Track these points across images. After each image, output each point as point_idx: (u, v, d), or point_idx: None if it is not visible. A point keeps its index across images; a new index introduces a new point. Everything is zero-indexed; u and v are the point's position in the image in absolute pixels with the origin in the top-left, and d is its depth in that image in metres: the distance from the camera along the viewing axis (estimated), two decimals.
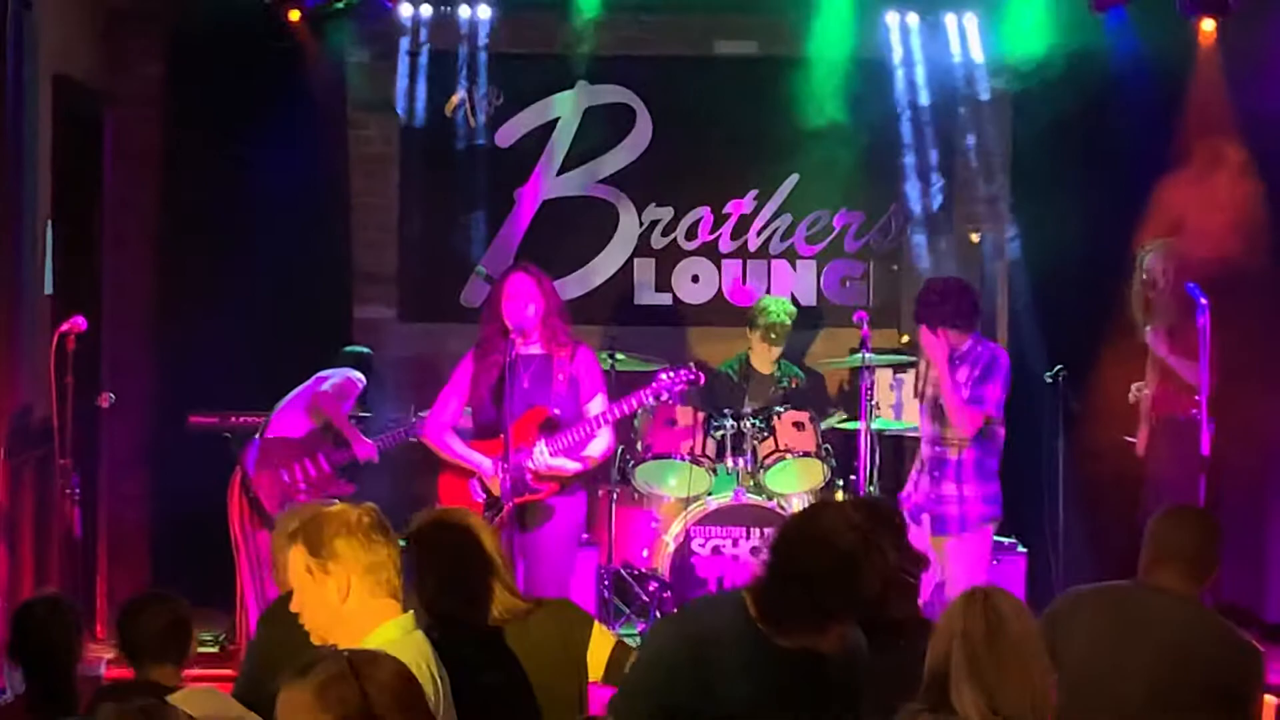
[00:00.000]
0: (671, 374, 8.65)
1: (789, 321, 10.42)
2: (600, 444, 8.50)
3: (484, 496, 8.50)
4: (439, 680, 4.68)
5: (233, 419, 9.54)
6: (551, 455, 8.39)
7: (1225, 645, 5.50)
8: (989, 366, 8.47)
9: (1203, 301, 8.42)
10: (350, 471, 9.56)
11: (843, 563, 4.40)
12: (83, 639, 5.99)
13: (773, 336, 10.40)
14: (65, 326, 8.71)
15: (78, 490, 8.78)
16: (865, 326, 9.50)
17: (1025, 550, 9.84)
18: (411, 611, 4.79)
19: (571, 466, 8.45)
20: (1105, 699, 5.39)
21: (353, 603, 4.65)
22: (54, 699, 5.43)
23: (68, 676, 5.62)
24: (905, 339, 10.45)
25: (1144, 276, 9.22)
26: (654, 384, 8.63)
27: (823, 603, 4.43)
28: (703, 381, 8.82)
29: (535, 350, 8.49)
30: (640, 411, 9.77)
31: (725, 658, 4.45)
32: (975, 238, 11.19)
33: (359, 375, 9.64)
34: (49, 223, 9.74)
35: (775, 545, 4.56)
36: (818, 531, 4.50)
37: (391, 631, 4.68)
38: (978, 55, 11.11)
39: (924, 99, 11.23)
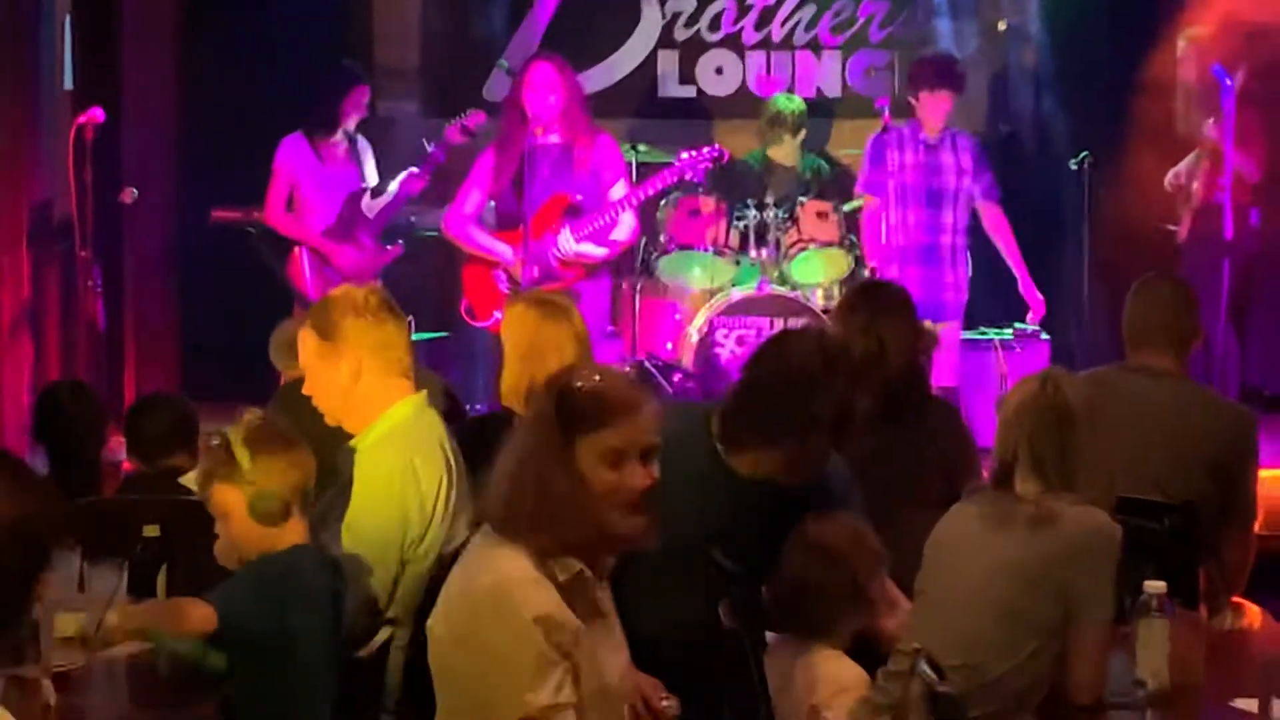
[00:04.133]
0: (693, 152, 8.64)
1: (791, 114, 10.23)
2: (625, 229, 8.54)
3: (510, 287, 8.54)
4: (452, 460, 4.72)
5: (255, 214, 9.50)
6: (577, 241, 8.41)
7: (1215, 415, 5.50)
8: (979, 154, 8.79)
9: (1228, 83, 8.36)
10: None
11: (798, 379, 4.34)
12: (106, 424, 6.05)
13: (779, 135, 10.25)
14: (83, 118, 8.67)
15: (99, 283, 8.80)
16: (887, 114, 9.44)
17: (1049, 337, 9.83)
18: (424, 391, 4.82)
19: (597, 252, 8.48)
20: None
21: (365, 382, 4.69)
22: (75, 481, 5.49)
23: (90, 460, 5.68)
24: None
25: (1179, 65, 9.21)
26: (677, 163, 8.62)
27: (773, 418, 4.36)
28: (726, 158, 8.83)
29: (555, 139, 8.48)
30: (662, 204, 9.75)
31: (676, 469, 4.11)
32: (1002, 26, 11.09)
33: None
34: (67, 17, 9.69)
35: (745, 364, 4.54)
36: (783, 349, 4.48)
37: (405, 409, 4.73)
38: None
39: None
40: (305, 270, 9.30)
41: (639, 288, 9.95)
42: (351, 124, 9.42)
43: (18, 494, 2.99)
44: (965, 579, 4.29)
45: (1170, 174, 9.38)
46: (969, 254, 9.41)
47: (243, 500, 4.20)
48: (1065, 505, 4.22)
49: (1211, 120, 9.07)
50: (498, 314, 8.49)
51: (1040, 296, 9.36)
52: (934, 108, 9.20)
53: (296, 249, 9.33)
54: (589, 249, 8.46)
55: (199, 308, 10.78)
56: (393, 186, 9.32)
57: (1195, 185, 9.19)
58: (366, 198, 9.35)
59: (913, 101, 9.39)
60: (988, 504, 4.37)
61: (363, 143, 9.52)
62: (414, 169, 9.27)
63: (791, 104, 10.25)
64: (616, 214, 8.43)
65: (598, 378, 3.69)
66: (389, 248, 9.46)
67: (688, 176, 8.70)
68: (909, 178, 9.22)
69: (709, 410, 4.50)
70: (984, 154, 9.25)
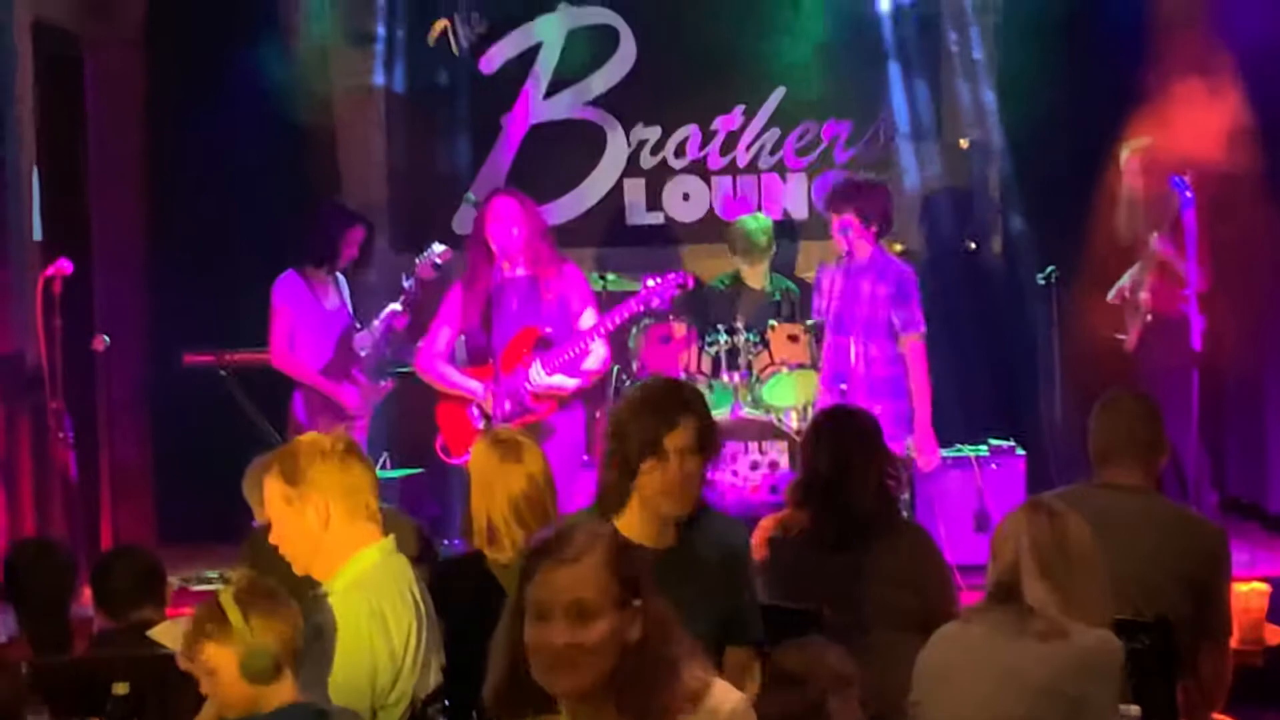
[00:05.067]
0: (659, 279, 8.67)
1: (764, 238, 10.32)
2: (596, 358, 8.56)
3: (484, 421, 8.54)
4: (421, 604, 4.71)
5: (227, 356, 9.50)
6: (548, 373, 8.43)
7: (1185, 530, 5.49)
8: (901, 284, 8.74)
9: (1188, 195, 8.41)
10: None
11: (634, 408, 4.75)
12: (75, 581, 6.02)
13: (750, 255, 10.32)
14: (50, 270, 8.70)
15: (71, 433, 8.78)
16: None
17: (1024, 453, 9.84)
18: (392, 535, 4.81)
19: (569, 383, 8.50)
20: None
21: (333, 529, 4.68)
22: (45, 639, 5.46)
23: (59, 617, 5.65)
24: (898, 248, 10.38)
25: (1123, 176, 9.24)
26: (643, 290, 8.65)
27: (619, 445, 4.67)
28: (691, 284, 8.89)
29: (521, 273, 8.52)
30: (634, 330, 9.79)
31: None
32: (964, 143, 11.17)
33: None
34: (34, 168, 9.73)
35: None
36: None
37: (372, 554, 4.71)
38: None
39: (909, 5, 11.15)
40: (301, 412, 9.32)
41: None
42: (346, 262, 9.45)
43: None
44: (971, 695, 4.29)
45: (1115, 288, 9.40)
46: (894, 385, 9.04)
47: (234, 659, 4.18)
48: (1074, 622, 4.24)
49: (1157, 232, 9.10)
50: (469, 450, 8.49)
51: (934, 444, 9.17)
52: (835, 230, 9.12)
53: (298, 391, 9.34)
54: (561, 380, 8.47)
55: (172, 452, 10.78)
56: (376, 323, 9.36)
57: (1143, 295, 9.20)
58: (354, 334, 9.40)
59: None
60: (995, 618, 4.37)
61: (341, 279, 9.56)
62: (395, 306, 9.31)
63: (758, 223, 10.32)
64: (587, 344, 8.46)
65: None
66: (381, 384, 9.49)
67: (654, 304, 8.73)
68: (836, 304, 9.13)
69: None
70: (911, 284, 9.06)
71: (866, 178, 9.67)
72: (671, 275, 8.70)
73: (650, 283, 8.67)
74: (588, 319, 8.54)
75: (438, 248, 9.30)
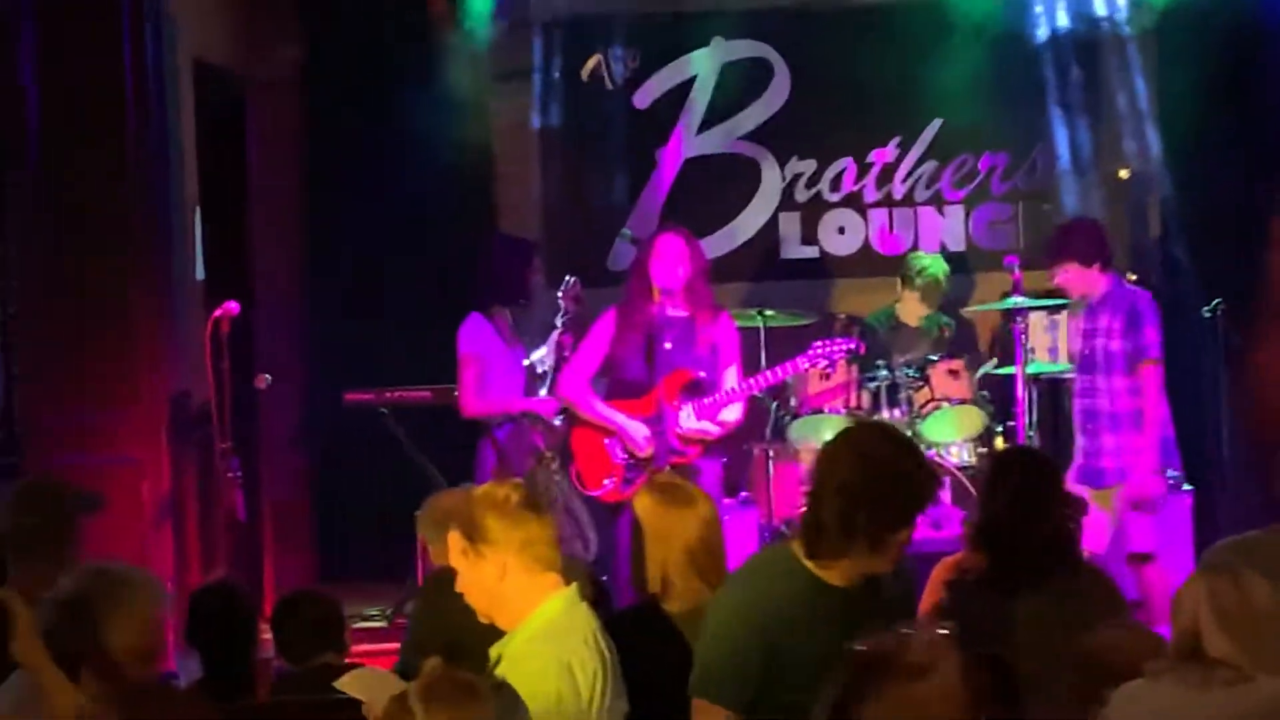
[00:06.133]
0: (827, 344, 8.61)
1: (944, 281, 10.30)
2: (735, 410, 8.50)
3: (624, 458, 8.50)
4: (606, 652, 4.68)
5: (387, 394, 9.53)
6: (697, 418, 8.39)
7: None
8: (1133, 312, 8.46)
9: None
10: None
11: (878, 470, 4.32)
12: (257, 624, 6.04)
13: (928, 295, 10.28)
14: (219, 312, 8.78)
15: (239, 473, 8.85)
16: (1017, 270, 9.32)
17: (1191, 488, 9.68)
18: (575, 584, 4.79)
19: (713, 430, 8.45)
20: None
21: (509, 581, 4.66)
22: (230, 684, 5.48)
23: (244, 661, 5.67)
24: (1132, 276, 10.14)
25: None
26: (809, 351, 8.60)
27: (861, 513, 4.30)
28: (863, 351, 8.80)
29: (680, 313, 8.48)
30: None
31: (792, 631, 4.31)
32: (1124, 174, 11.05)
33: None
34: (196, 209, 9.84)
35: (811, 473, 4.49)
36: (851, 446, 4.43)
37: (556, 605, 4.69)
38: None
39: (1067, 35, 11.06)
40: (491, 459, 9.09)
41: (771, 453, 9.90)
42: (533, 292, 9.40)
43: None
44: None
45: None
46: (1134, 419, 8.60)
47: None
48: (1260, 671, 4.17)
49: None
50: (607, 482, 8.47)
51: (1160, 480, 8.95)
52: (1059, 282, 8.93)
53: (487, 439, 9.15)
54: (706, 426, 8.44)
55: (332, 490, 10.85)
56: (546, 351, 9.20)
57: None
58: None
59: None
60: (1179, 674, 4.31)
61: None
62: (557, 331, 9.22)
63: (938, 266, 10.26)
64: (732, 397, 8.43)
65: None
66: (558, 421, 9.30)
67: (820, 365, 8.68)
68: (1079, 344, 8.95)
69: (788, 551, 4.47)
70: (1145, 311, 8.78)
71: (1063, 220, 9.57)
72: (841, 341, 8.66)
73: (818, 345, 8.62)
74: (730, 378, 8.49)
75: (569, 279, 9.22)
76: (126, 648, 4.56)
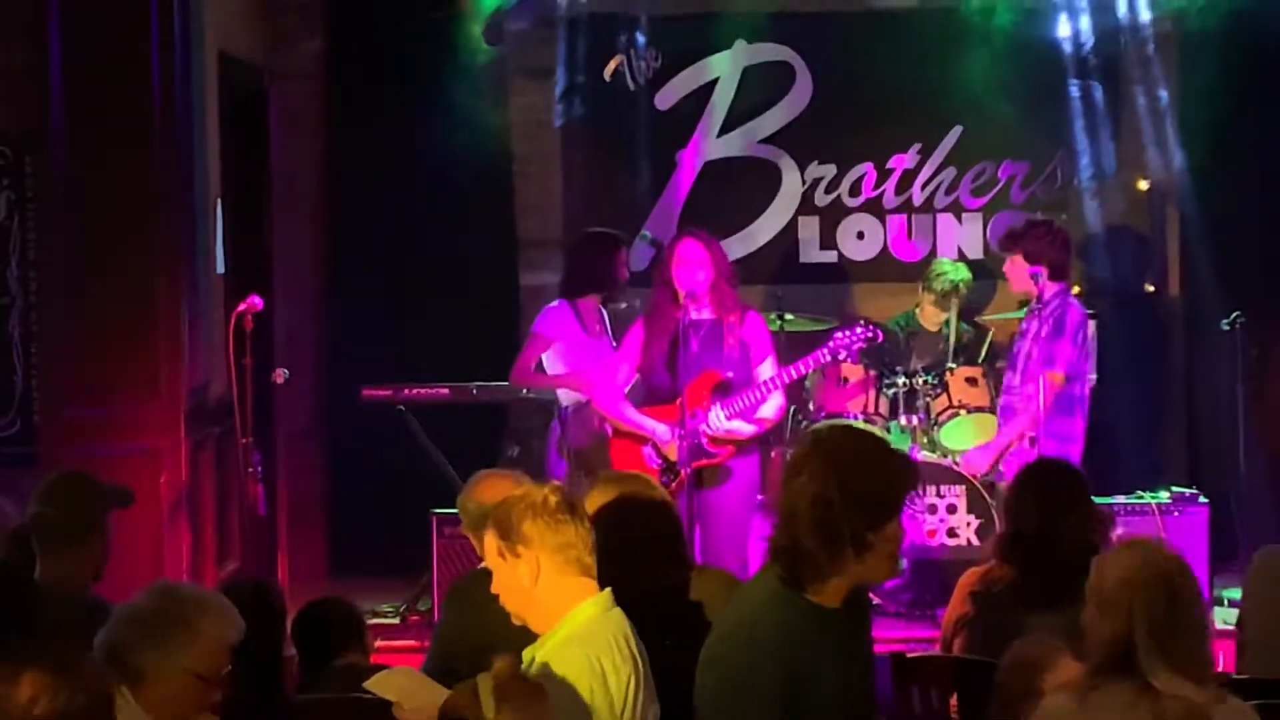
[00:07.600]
0: (847, 333, 8.60)
1: (964, 288, 10.31)
2: (772, 406, 8.51)
3: (659, 462, 8.51)
4: (638, 657, 4.68)
5: (405, 391, 9.54)
6: (728, 418, 8.39)
7: None
8: (1058, 323, 8.62)
9: None
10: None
11: (847, 468, 4.12)
12: (285, 619, 6.04)
13: (948, 302, 10.29)
14: (242, 306, 8.77)
15: (260, 468, 8.85)
16: (1043, 282, 9.33)
17: (1207, 501, 9.67)
18: (609, 589, 4.79)
19: (746, 429, 8.45)
20: None
21: (544, 584, 4.65)
22: (262, 677, 5.46)
23: (275, 660, 5.65)
24: (1076, 289, 10.26)
25: None
26: (830, 343, 8.59)
27: (841, 520, 4.09)
28: (880, 339, 8.80)
29: (705, 315, 8.49)
30: (810, 372, 9.73)
31: (813, 672, 4.14)
32: (1144, 184, 11.05)
33: None
34: (218, 201, 9.84)
35: (776, 504, 4.28)
36: (810, 461, 4.19)
37: (589, 609, 4.69)
38: None
39: (1087, 44, 11.06)
40: (557, 433, 9.37)
41: (789, 456, 9.86)
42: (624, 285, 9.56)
43: None
44: None
45: None
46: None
47: None
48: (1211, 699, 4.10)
49: None
50: None
51: (987, 462, 9.28)
52: (1007, 269, 9.18)
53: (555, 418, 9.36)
54: (739, 426, 8.42)
55: (346, 486, 10.86)
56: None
57: None
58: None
59: None
60: (1124, 700, 4.17)
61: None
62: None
63: (960, 274, 10.27)
64: (766, 393, 8.42)
65: None
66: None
67: (841, 356, 8.67)
68: (1020, 346, 9.15)
69: (770, 588, 4.25)
70: (1069, 323, 8.95)
71: (1032, 218, 9.64)
72: (859, 329, 8.63)
73: (839, 335, 8.60)
74: (766, 369, 8.50)
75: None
76: (191, 670, 4.51)
